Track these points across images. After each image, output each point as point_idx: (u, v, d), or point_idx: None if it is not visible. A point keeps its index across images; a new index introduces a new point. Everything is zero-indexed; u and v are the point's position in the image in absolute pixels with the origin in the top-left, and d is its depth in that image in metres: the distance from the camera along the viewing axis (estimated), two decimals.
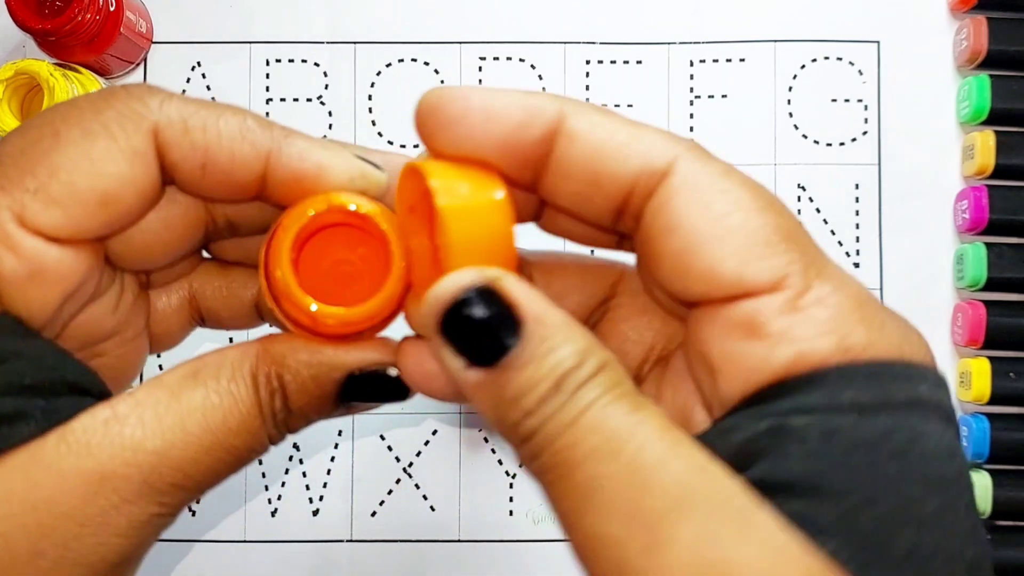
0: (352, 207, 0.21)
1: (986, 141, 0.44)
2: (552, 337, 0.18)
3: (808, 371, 0.18)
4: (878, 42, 0.47)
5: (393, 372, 0.21)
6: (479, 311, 0.18)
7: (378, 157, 0.23)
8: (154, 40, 0.47)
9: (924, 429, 0.18)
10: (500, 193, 0.20)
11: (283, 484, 0.46)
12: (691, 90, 0.47)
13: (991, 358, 0.44)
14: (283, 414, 0.22)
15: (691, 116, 0.46)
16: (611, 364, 0.18)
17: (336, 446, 0.46)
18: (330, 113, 0.47)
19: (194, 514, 0.46)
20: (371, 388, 0.21)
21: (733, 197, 0.20)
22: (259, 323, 0.26)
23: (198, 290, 0.25)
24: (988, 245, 0.44)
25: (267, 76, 0.47)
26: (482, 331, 0.18)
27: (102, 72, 0.45)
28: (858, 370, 0.18)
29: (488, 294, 0.18)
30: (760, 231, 0.19)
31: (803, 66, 0.47)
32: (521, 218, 0.21)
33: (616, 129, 0.20)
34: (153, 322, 0.25)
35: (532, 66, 0.47)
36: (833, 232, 0.46)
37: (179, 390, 0.21)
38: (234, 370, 0.22)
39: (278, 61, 0.47)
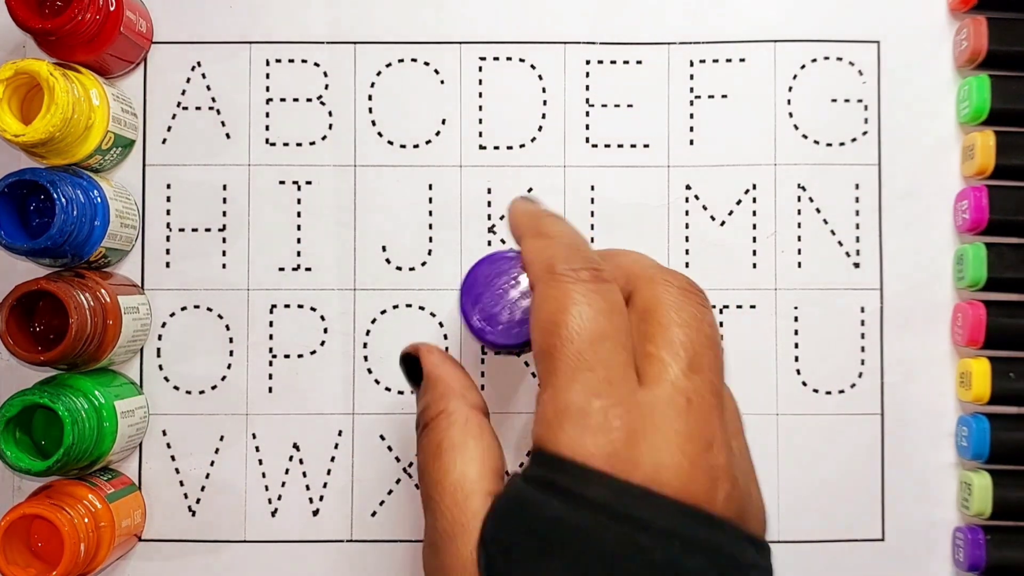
0: None
1: (986, 141, 0.44)
2: (428, 389, 0.31)
3: (532, 445, 0.27)
4: (878, 42, 0.47)
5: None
6: (406, 365, 0.34)
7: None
8: (154, 40, 0.47)
9: (540, 500, 0.25)
10: None
11: (283, 484, 0.46)
12: (691, 90, 0.47)
13: (991, 358, 0.44)
14: None
15: (691, 116, 0.46)
16: (445, 411, 0.30)
17: (336, 446, 0.46)
18: (330, 113, 0.47)
19: (194, 514, 0.46)
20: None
21: (546, 314, 0.28)
22: None
23: None
24: (988, 245, 0.44)
25: (267, 76, 0.47)
26: (410, 374, 0.33)
27: (102, 72, 0.45)
28: (538, 455, 0.27)
29: (410, 357, 0.33)
30: (540, 343, 0.28)
31: (803, 66, 0.47)
32: None
33: (528, 249, 0.31)
34: None
35: (532, 66, 0.47)
36: (833, 232, 0.46)
37: None
38: None
39: (278, 61, 0.47)
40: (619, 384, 0.26)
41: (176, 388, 0.46)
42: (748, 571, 0.25)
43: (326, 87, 0.47)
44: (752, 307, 0.46)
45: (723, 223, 0.46)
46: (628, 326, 0.27)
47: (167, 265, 0.46)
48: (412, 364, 0.33)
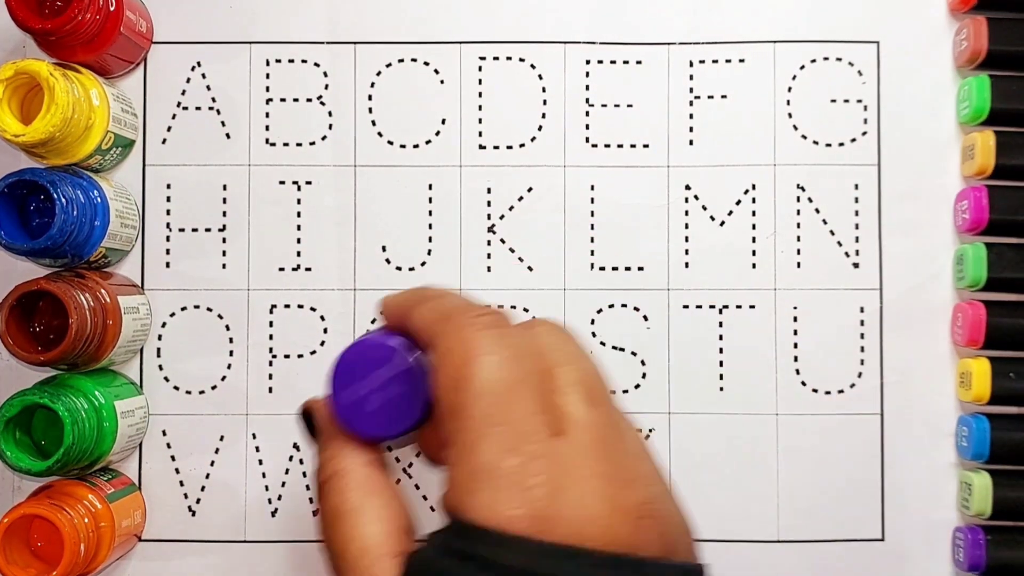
0: None
1: (986, 141, 0.44)
2: (323, 447, 0.30)
3: (445, 512, 0.26)
4: (878, 42, 0.47)
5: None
6: (304, 420, 0.31)
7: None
8: (154, 40, 0.47)
9: (456, 573, 0.24)
10: None
11: (283, 484, 0.46)
12: (691, 90, 0.47)
13: (991, 358, 0.44)
14: None
15: (691, 116, 0.46)
16: (340, 471, 0.29)
17: None
18: (330, 113, 0.47)
19: (194, 514, 0.46)
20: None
21: (449, 371, 0.26)
22: None
23: None
24: (988, 245, 0.44)
25: (267, 76, 0.47)
26: (309, 428, 0.31)
27: (102, 72, 0.45)
28: (452, 524, 0.25)
29: (308, 412, 0.31)
30: (446, 402, 0.26)
31: (803, 66, 0.47)
32: None
33: (418, 316, 0.29)
34: None
35: (532, 66, 0.47)
36: (832, 232, 0.46)
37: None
38: None
39: (278, 61, 0.47)
40: (533, 436, 0.24)
41: (176, 388, 0.46)
42: None
43: (326, 87, 0.47)
44: (752, 307, 0.46)
45: (723, 223, 0.46)
46: (536, 369, 0.26)
47: (167, 265, 0.46)
48: (308, 421, 0.31)
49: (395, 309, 0.30)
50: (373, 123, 0.47)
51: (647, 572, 0.23)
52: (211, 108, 0.47)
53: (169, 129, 0.46)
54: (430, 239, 0.46)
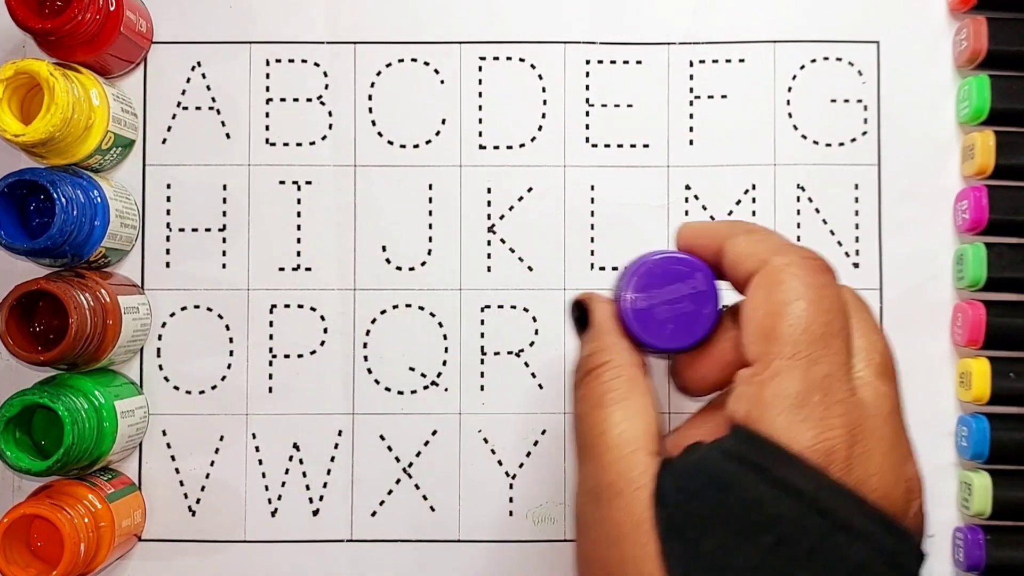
0: None
1: (986, 141, 0.44)
2: (596, 337, 0.31)
3: (732, 421, 0.27)
4: (878, 42, 0.47)
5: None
6: (577, 311, 0.33)
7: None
8: (154, 40, 0.47)
9: (745, 480, 0.25)
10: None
11: (283, 484, 0.46)
12: (691, 90, 0.47)
13: (991, 358, 0.44)
14: None
15: (691, 116, 0.46)
16: (612, 363, 0.30)
17: (336, 446, 0.46)
18: (330, 113, 0.47)
19: (194, 514, 0.46)
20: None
21: (776, 298, 0.27)
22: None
23: None
24: (988, 245, 0.44)
25: (267, 76, 0.47)
26: (579, 320, 0.32)
27: (102, 72, 0.45)
28: (743, 433, 0.26)
29: (582, 305, 0.32)
30: (763, 326, 0.27)
31: (803, 66, 0.47)
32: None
33: (744, 243, 0.29)
34: None
35: (532, 66, 0.47)
36: (832, 232, 0.46)
37: None
38: None
39: (278, 61, 0.47)
40: (840, 383, 0.26)
41: (176, 388, 0.46)
42: None
43: (326, 87, 0.47)
44: None
45: None
46: (846, 327, 0.27)
47: (167, 265, 0.46)
48: (582, 312, 0.32)
49: (705, 234, 0.31)
50: (373, 123, 0.47)
51: (908, 543, 0.25)
52: (211, 108, 0.47)
53: (169, 129, 0.46)
54: (430, 239, 0.46)
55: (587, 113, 0.47)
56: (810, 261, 0.28)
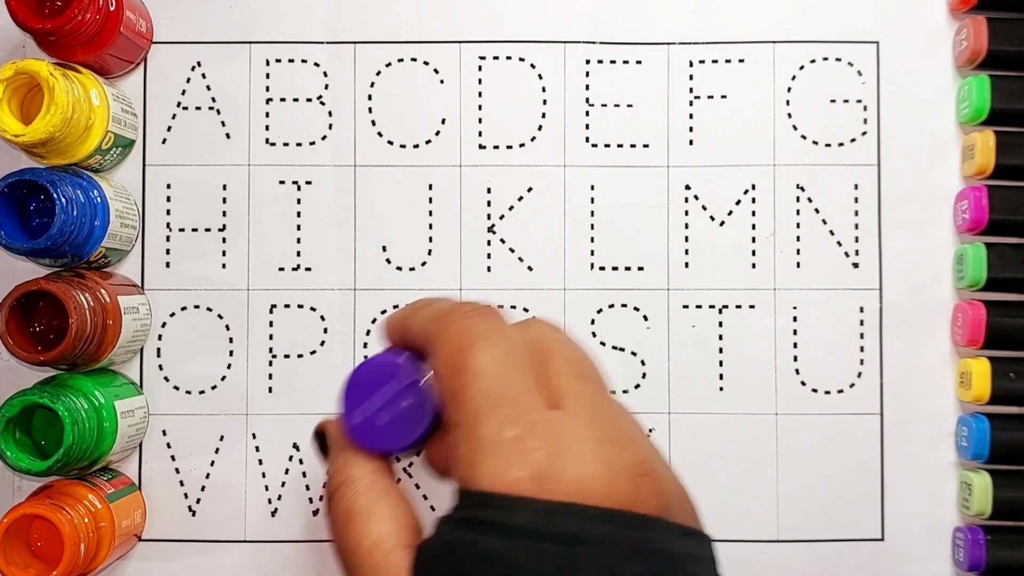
0: None
1: (986, 141, 0.44)
2: (332, 459, 0.31)
3: (456, 488, 0.27)
4: (877, 42, 0.47)
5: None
6: (319, 440, 0.32)
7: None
8: (154, 40, 0.47)
9: (471, 540, 0.25)
10: None
11: (283, 484, 0.46)
12: (691, 90, 0.47)
13: (991, 358, 0.44)
14: None
15: (691, 116, 0.46)
16: (348, 479, 0.30)
17: None
18: (330, 113, 0.47)
19: (194, 514, 0.46)
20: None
21: (444, 362, 0.28)
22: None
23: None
24: (988, 245, 0.44)
25: (267, 76, 0.47)
26: (322, 448, 0.32)
27: (102, 72, 0.45)
28: (462, 495, 0.26)
29: (321, 433, 0.32)
30: (448, 392, 0.27)
31: (802, 67, 0.47)
32: None
33: (414, 322, 0.30)
34: None
35: (532, 66, 0.47)
36: (832, 232, 0.46)
37: None
38: None
39: (278, 61, 0.47)
40: (531, 408, 0.26)
41: (176, 388, 0.46)
42: (683, 562, 0.25)
43: (326, 87, 0.47)
44: (751, 307, 0.46)
45: (722, 223, 0.46)
46: (530, 353, 0.27)
47: (167, 265, 0.46)
48: (322, 440, 0.33)
49: (395, 325, 0.32)
50: (373, 123, 0.47)
51: (648, 527, 0.25)
52: (211, 108, 0.47)
53: (169, 129, 0.46)
54: (430, 239, 0.46)
55: (587, 113, 0.47)
56: (473, 312, 0.28)
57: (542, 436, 0.25)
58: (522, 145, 0.46)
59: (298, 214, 0.46)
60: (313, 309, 0.46)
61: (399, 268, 0.46)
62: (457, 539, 0.25)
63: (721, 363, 0.46)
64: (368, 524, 0.29)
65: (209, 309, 0.46)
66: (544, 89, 0.47)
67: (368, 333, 0.46)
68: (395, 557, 0.27)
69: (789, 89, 0.47)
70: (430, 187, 0.46)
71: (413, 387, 0.30)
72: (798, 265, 0.46)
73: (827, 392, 0.46)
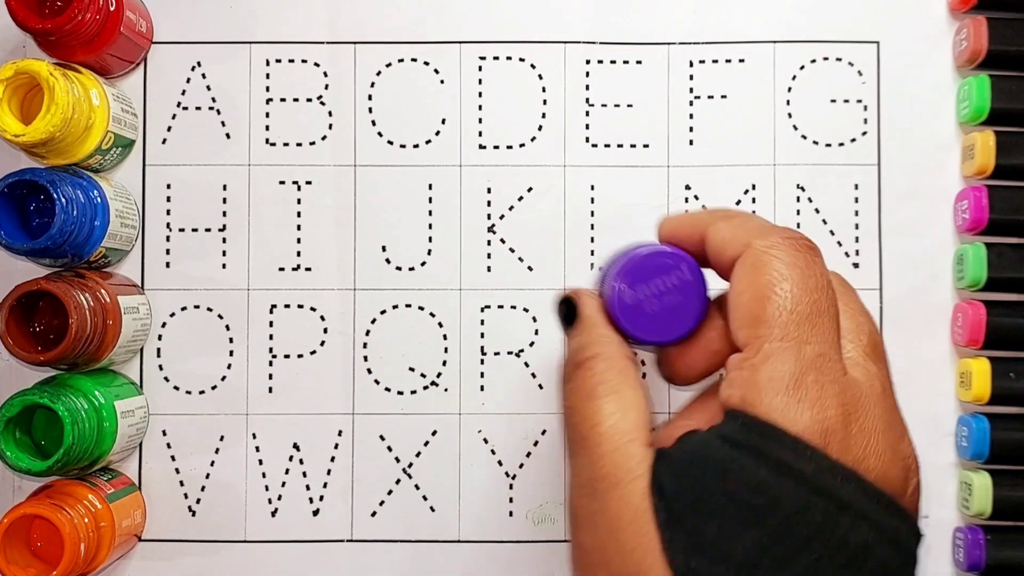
0: None
1: (986, 141, 0.44)
2: (585, 331, 0.31)
3: (727, 407, 0.27)
4: (878, 42, 0.47)
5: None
6: (564, 307, 0.32)
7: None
8: (154, 40, 0.47)
9: (744, 464, 0.25)
10: None
11: (283, 484, 0.46)
12: (691, 90, 0.47)
13: (991, 358, 0.44)
14: None
15: (691, 116, 0.46)
16: (603, 355, 0.29)
17: (336, 446, 0.46)
18: (330, 113, 0.47)
19: (194, 514, 0.46)
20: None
21: (761, 280, 0.27)
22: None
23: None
24: (988, 245, 0.44)
25: (267, 76, 0.47)
26: (566, 316, 0.32)
27: (102, 72, 0.45)
28: (739, 417, 0.26)
29: (570, 300, 0.32)
30: (750, 310, 0.27)
31: (802, 67, 0.47)
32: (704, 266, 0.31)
33: (724, 228, 0.29)
34: None
35: (532, 66, 0.47)
36: (832, 232, 0.46)
37: None
38: None
39: (278, 61, 0.47)
40: (832, 362, 0.26)
41: (176, 388, 0.46)
42: (915, 564, 0.25)
43: (326, 87, 0.47)
44: None
45: None
46: (834, 307, 0.27)
47: (167, 265, 0.46)
48: (569, 308, 0.32)
49: (686, 225, 0.31)
50: (373, 123, 0.47)
51: (906, 522, 0.25)
52: (211, 108, 0.47)
53: (169, 129, 0.46)
54: (430, 239, 0.46)
55: (587, 113, 0.47)
56: (792, 241, 0.27)
57: (840, 397, 0.25)
58: (522, 145, 0.46)
59: (298, 214, 0.46)
60: (313, 309, 0.46)
61: (399, 268, 0.46)
62: (726, 456, 0.25)
63: None
64: (613, 405, 0.28)
65: (209, 309, 0.46)
66: (544, 89, 0.47)
67: (368, 333, 0.46)
68: (635, 448, 0.27)
69: (789, 89, 0.47)
70: (430, 187, 0.46)
71: (688, 288, 0.30)
72: None
73: None
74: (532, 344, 0.46)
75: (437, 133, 0.47)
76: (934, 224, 0.46)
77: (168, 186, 0.46)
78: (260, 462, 0.46)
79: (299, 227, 0.46)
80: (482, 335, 0.46)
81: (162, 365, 0.46)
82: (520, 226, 0.46)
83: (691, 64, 0.47)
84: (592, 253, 0.46)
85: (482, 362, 0.46)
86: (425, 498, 0.46)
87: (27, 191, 0.42)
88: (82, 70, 0.43)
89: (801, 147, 0.46)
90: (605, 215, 0.46)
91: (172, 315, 0.46)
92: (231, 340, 0.46)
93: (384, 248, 0.46)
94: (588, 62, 0.47)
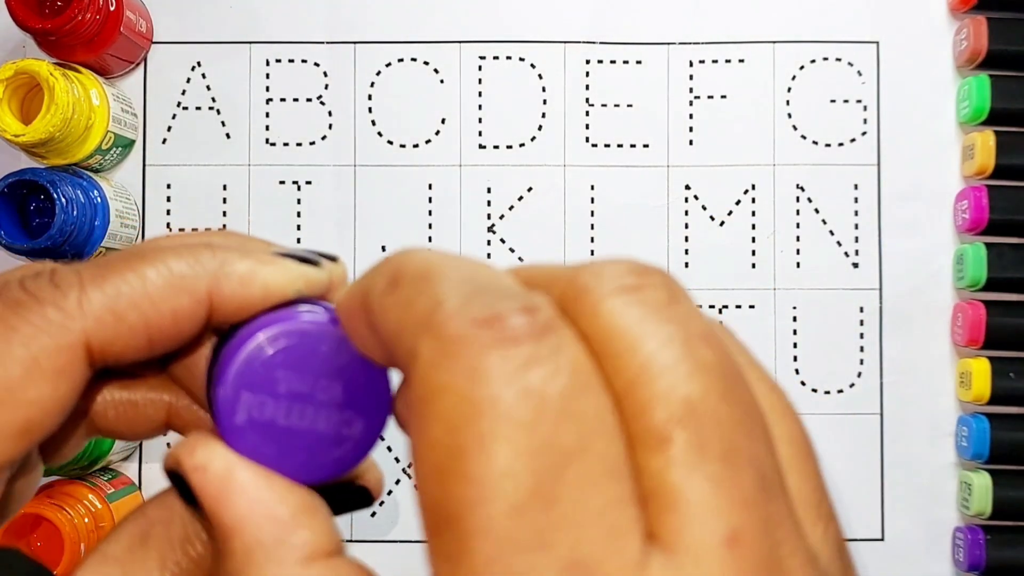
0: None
1: (986, 141, 0.44)
2: (228, 543, 0.18)
3: None
4: (877, 42, 0.47)
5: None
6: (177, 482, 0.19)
7: (314, 253, 0.21)
8: (154, 40, 0.47)
9: None
10: None
11: None
12: (691, 90, 0.47)
13: (991, 358, 0.44)
14: None
15: (690, 116, 0.46)
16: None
17: None
18: (330, 113, 0.47)
19: None
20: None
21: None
22: (161, 432, 0.22)
23: (97, 409, 0.21)
24: (988, 245, 0.44)
25: (267, 76, 0.47)
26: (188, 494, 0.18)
27: (102, 72, 0.45)
28: None
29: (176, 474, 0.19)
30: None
31: (802, 67, 0.47)
32: None
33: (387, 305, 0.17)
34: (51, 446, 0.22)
35: (532, 65, 0.47)
36: (832, 232, 0.46)
37: (130, 565, 0.19)
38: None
39: (278, 61, 0.47)
40: (604, 561, 0.13)
41: None
42: None
43: (326, 87, 0.47)
44: (751, 307, 0.46)
45: (722, 223, 0.46)
46: (609, 406, 0.14)
47: None
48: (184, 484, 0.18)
49: (351, 304, 0.17)
50: (373, 123, 0.47)
51: None
52: (211, 108, 0.47)
53: (169, 129, 0.47)
54: (430, 239, 0.46)
55: (587, 113, 0.47)
56: (508, 319, 0.14)
57: None
58: (522, 145, 0.46)
59: (298, 214, 0.46)
60: None
61: None
62: None
63: None
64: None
65: None
66: (544, 89, 0.47)
67: None
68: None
69: (789, 89, 0.47)
70: (430, 187, 0.46)
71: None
72: (798, 265, 0.46)
73: (827, 392, 0.46)
74: None
75: (437, 133, 0.47)
76: (934, 224, 0.46)
77: (168, 186, 0.46)
78: None
79: (299, 227, 0.46)
80: None
81: None
82: (520, 226, 0.46)
83: (691, 64, 0.47)
84: (592, 253, 0.46)
85: None
86: None
87: (27, 191, 0.42)
88: (82, 70, 0.43)
89: (801, 147, 0.46)
90: (605, 215, 0.46)
91: None
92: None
93: (384, 248, 0.46)
94: (588, 62, 0.47)
